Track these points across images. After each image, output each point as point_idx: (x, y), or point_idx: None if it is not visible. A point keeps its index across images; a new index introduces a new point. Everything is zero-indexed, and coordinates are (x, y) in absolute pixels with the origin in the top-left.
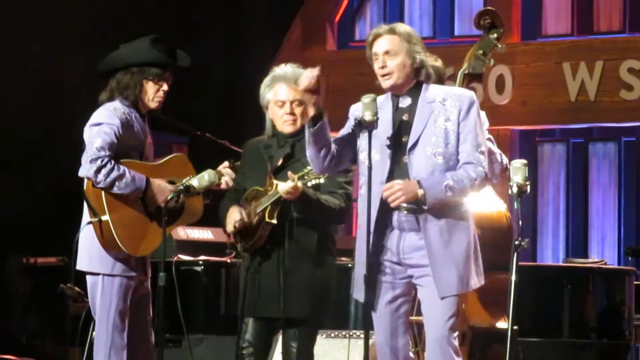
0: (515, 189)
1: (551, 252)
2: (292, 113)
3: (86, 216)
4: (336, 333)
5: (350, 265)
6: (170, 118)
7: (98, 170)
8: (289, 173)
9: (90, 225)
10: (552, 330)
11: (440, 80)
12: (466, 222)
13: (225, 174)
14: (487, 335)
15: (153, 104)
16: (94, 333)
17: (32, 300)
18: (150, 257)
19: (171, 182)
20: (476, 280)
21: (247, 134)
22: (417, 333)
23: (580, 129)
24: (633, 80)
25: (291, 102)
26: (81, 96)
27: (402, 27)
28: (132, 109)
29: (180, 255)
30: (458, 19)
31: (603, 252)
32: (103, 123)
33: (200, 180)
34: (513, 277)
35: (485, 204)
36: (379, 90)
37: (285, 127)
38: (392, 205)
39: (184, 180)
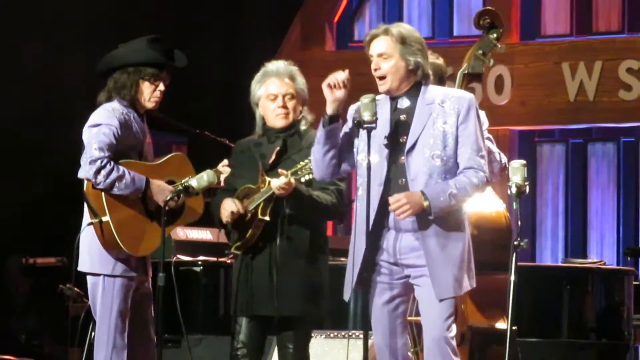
0: (514, 189)
1: (550, 253)
2: (284, 106)
3: (86, 217)
4: (335, 333)
5: None
6: (170, 118)
7: (98, 172)
8: (280, 170)
9: (91, 227)
10: (551, 330)
11: (442, 78)
12: (462, 224)
13: (224, 172)
14: (487, 335)
15: (150, 104)
16: (93, 333)
17: (31, 300)
18: (150, 257)
19: (171, 182)
20: (468, 284)
21: (247, 134)
22: (416, 333)
23: (579, 129)
24: (632, 80)
25: (283, 96)
26: (81, 96)
27: (397, 28)
28: (130, 109)
29: (179, 256)
30: (457, 19)
31: (602, 253)
32: (101, 124)
33: (200, 180)
34: (512, 278)
35: (484, 204)
36: (378, 91)
37: (277, 120)
38: (401, 218)
39: (183, 181)
